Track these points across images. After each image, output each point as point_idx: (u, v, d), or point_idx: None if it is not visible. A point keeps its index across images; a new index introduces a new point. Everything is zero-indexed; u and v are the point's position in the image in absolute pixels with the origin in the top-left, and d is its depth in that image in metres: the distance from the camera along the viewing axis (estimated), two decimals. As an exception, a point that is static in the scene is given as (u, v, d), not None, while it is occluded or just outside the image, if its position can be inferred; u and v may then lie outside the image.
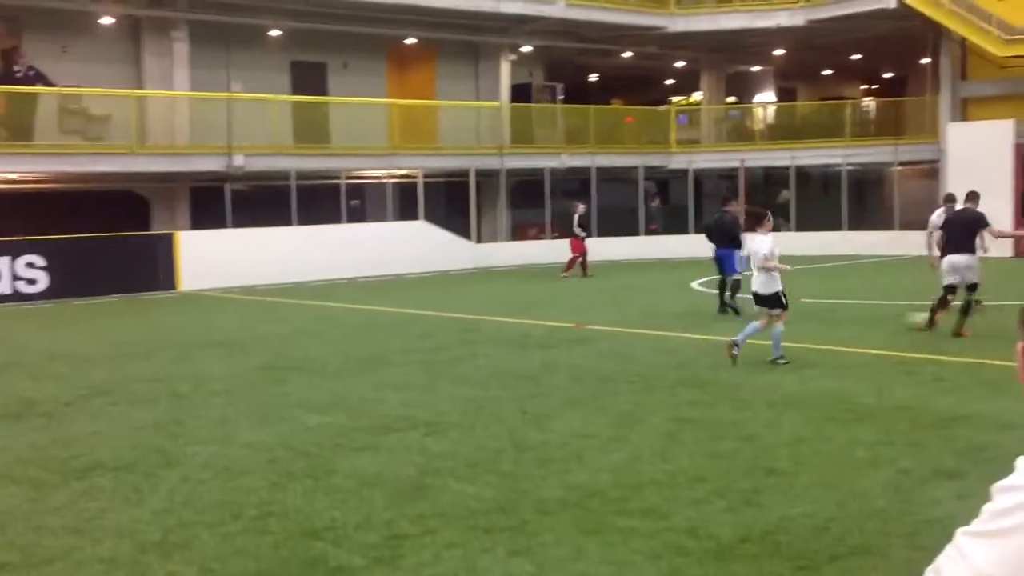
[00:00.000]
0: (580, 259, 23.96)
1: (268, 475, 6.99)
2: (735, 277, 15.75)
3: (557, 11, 27.80)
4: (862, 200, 29.71)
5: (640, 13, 29.66)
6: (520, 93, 30.23)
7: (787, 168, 29.87)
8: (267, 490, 6.61)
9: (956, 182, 25.40)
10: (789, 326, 14.04)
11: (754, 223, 11.89)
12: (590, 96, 34.75)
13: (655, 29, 30.16)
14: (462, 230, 27.16)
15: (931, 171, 28.45)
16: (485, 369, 11.19)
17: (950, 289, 12.61)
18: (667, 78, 37.91)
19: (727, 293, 15.80)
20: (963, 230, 12.60)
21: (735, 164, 30.54)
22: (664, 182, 32.65)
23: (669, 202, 32.81)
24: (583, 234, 24.37)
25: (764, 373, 10.48)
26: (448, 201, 28.14)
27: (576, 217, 24.33)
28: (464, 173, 27.37)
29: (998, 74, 27.57)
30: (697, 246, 26.22)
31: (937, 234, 13.55)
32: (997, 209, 24.84)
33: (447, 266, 25.43)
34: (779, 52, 34.48)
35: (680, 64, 35.27)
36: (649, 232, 30.05)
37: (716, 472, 6.76)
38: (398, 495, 6.41)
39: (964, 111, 28.49)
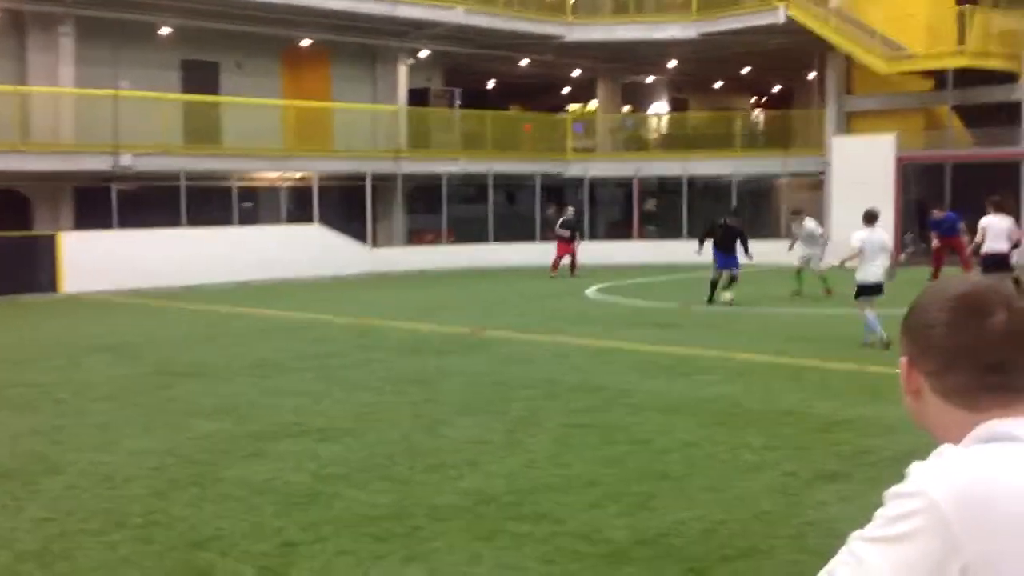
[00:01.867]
0: (564, 259, 24.73)
1: (153, 483, 6.80)
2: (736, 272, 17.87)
3: (455, 17, 27.79)
4: (751, 210, 30.40)
5: (538, 21, 29.86)
6: (418, 97, 30.14)
7: (680, 177, 30.42)
8: (152, 498, 6.43)
9: (841, 194, 26.30)
10: (684, 332, 14.34)
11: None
12: (488, 102, 34.86)
13: (552, 38, 30.40)
14: (358, 234, 26.92)
15: (817, 183, 29.29)
16: (380, 375, 11.10)
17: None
18: (564, 86, 38.27)
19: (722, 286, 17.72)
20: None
21: (630, 173, 30.97)
22: (559, 189, 32.92)
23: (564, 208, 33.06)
24: (567, 235, 24.93)
25: (656, 379, 10.63)
26: (344, 205, 27.87)
27: (561, 219, 25.15)
28: (360, 177, 27.15)
29: (881, 89, 28.55)
30: (593, 252, 26.63)
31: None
32: (881, 221, 25.71)
33: (342, 270, 25.17)
34: (673, 64, 35.11)
35: (577, 73, 35.65)
36: (544, 238, 30.25)
37: (610, 477, 6.83)
38: (288, 503, 6.30)
39: (849, 125, 29.42)
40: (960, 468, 1.35)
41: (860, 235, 12.26)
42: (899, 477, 1.48)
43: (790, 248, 20.21)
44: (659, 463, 7.17)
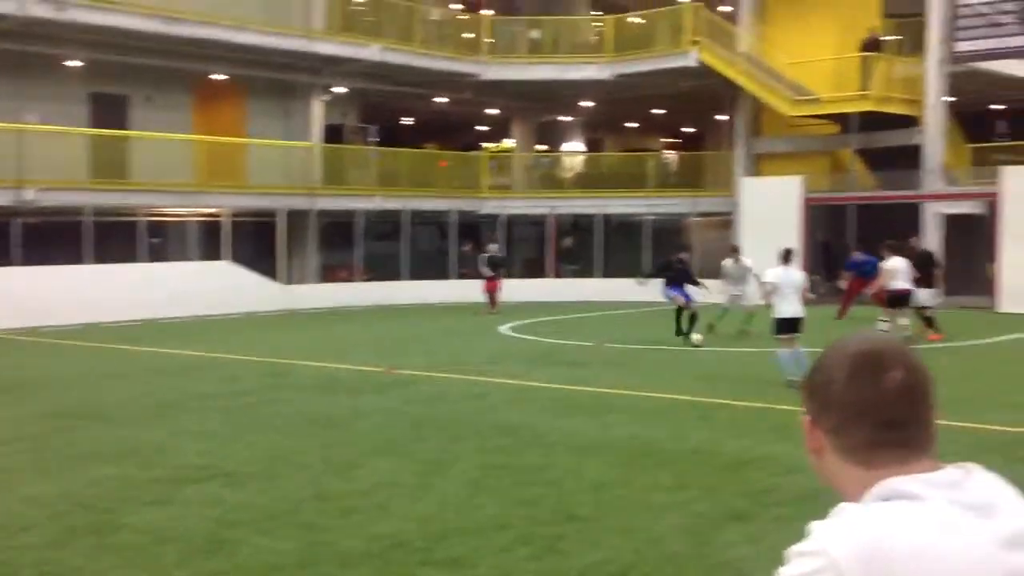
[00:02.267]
0: (492, 295, 25.00)
1: (49, 531, 6.55)
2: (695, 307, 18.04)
3: (372, 54, 27.78)
4: (663, 249, 30.79)
5: (454, 60, 30.00)
6: (333, 134, 30.00)
7: (594, 216, 30.74)
8: (47, 548, 6.19)
9: (750, 234, 26.81)
10: (597, 371, 14.42)
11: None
12: (404, 139, 34.84)
13: (468, 76, 30.58)
14: (270, 271, 26.58)
15: (727, 222, 29.86)
16: (290, 416, 10.91)
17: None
18: (480, 124, 38.46)
19: (690, 322, 17.85)
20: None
21: (545, 211, 31.20)
22: (475, 226, 33.00)
23: (480, 245, 33.13)
24: (490, 273, 25.09)
25: (569, 418, 10.64)
26: (256, 241, 27.50)
27: (486, 257, 25.41)
28: (273, 213, 26.85)
29: (788, 132, 29.31)
30: (509, 290, 26.68)
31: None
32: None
33: (253, 308, 24.77)
34: (588, 104, 35.57)
35: (493, 111, 35.88)
36: (460, 276, 30.25)
37: (521, 519, 6.79)
38: (192, 551, 6.12)
39: (758, 166, 30.10)
40: (859, 527, 1.36)
41: (775, 272, 12.54)
42: (805, 516, 1.51)
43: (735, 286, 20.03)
44: (571, 504, 7.15)
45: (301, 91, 29.42)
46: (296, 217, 27.84)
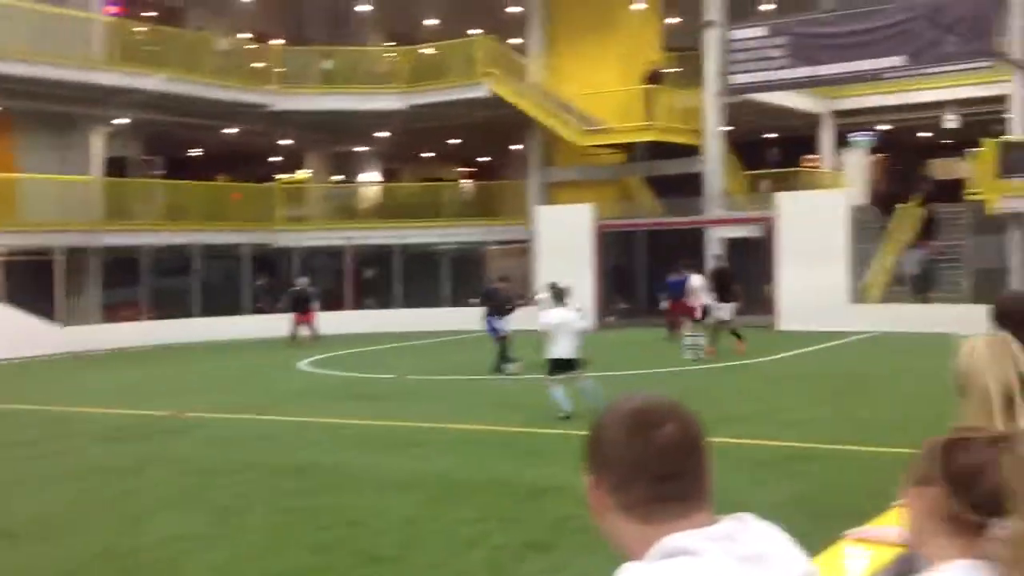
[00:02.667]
0: (301, 327, 24.81)
1: None
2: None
3: (155, 84, 26.72)
4: (462, 278, 31.07)
5: (243, 90, 29.25)
6: (116, 167, 28.71)
7: (392, 246, 30.63)
8: None
9: (546, 261, 27.39)
10: (399, 404, 14.30)
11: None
12: (194, 171, 33.69)
13: (258, 107, 29.90)
14: (49, 312, 25.07)
15: (523, 250, 30.37)
16: (74, 467, 10.28)
17: None
18: (273, 155, 37.71)
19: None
20: None
21: (342, 242, 30.85)
22: (270, 259, 32.26)
23: (279, 279, 32.39)
24: (295, 307, 25.12)
25: (371, 454, 10.48)
26: (33, 281, 25.86)
27: (295, 291, 25.43)
28: (51, 251, 25.37)
29: (578, 161, 30.14)
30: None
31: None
32: (582, 287, 27.08)
33: (31, 352, 23.27)
34: (383, 134, 35.49)
35: (286, 142, 35.26)
36: (255, 311, 29.47)
37: (322, 565, 6.61)
38: (-42, 625, 5.63)
39: (551, 194, 30.79)
40: None
41: (555, 314, 12.67)
42: (604, 544, 1.53)
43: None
44: (375, 545, 7.02)
45: (80, 123, 28.01)
46: (76, 255, 26.39)
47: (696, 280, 19.40)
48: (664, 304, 23.41)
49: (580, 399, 11.91)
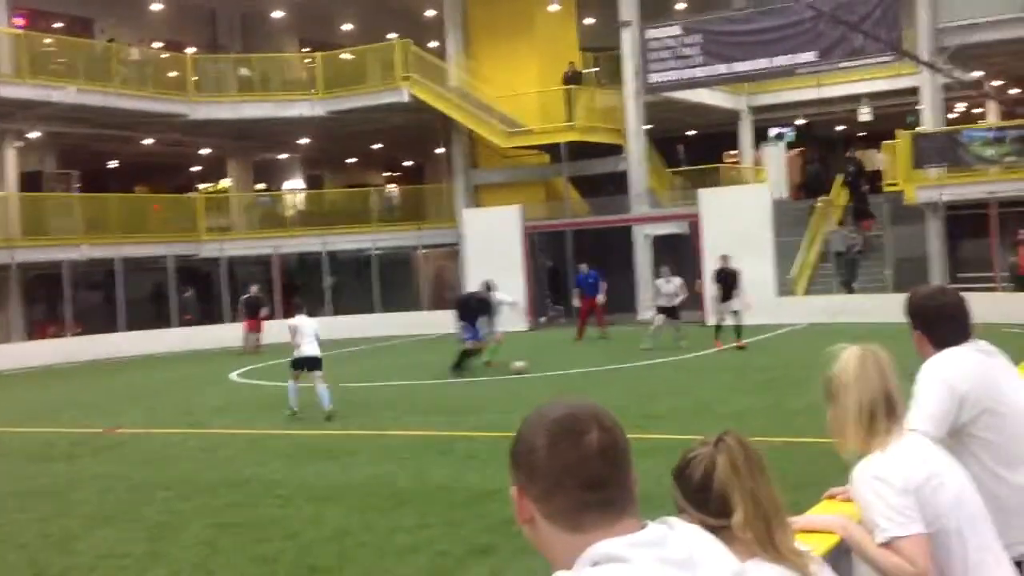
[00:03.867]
0: (251, 334, 25.19)
1: None
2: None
3: (68, 96, 26.11)
4: (392, 283, 30.95)
5: (159, 100, 28.71)
6: (31, 182, 28.02)
7: (320, 253, 30.39)
8: None
9: (475, 263, 27.41)
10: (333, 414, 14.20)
11: None
12: (111, 183, 33.05)
13: (176, 116, 29.40)
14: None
15: (452, 253, 30.35)
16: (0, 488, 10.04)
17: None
18: (193, 164, 37.15)
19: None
20: None
21: (268, 251, 30.51)
22: (196, 270, 31.78)
23: (203, 291, 31.95)
24: (247, 314, 25.54)
25: (306, 465, 10.40)
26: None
27: (243, 297, 25.88)
28: (-33, 269, 24.72)
29: (503, 163, 30.23)
30: (236, 334, 25.85)
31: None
32: (514, 286, 27.16)
33: (-50, 374, 22.64)
34: (304, 141, 35.19)
35: (206, 151, 34.77)
36: (183, 323, 29.01)
37: (261, 578, 6.54)
38: None
39: (478, 197, 30.83)
40: None
41: (294, 321, 14.48)
42: None
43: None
44: (312, 556, 6.98)
45: (-9, 137, 27.31)
46: (-6, 272, 25.76)
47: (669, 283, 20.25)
48: (575, 301, 23.67)
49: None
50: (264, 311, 25.85)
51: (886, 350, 2.83)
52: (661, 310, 20.41)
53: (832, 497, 3.17)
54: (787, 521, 2.02)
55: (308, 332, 14.01)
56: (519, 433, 1.58)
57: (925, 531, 2.59)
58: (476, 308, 18.13)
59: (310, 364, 13.87)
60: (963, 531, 2.67)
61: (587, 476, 1.49)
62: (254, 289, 26.41)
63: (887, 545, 2.60)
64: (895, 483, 2.64)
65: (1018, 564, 2.95)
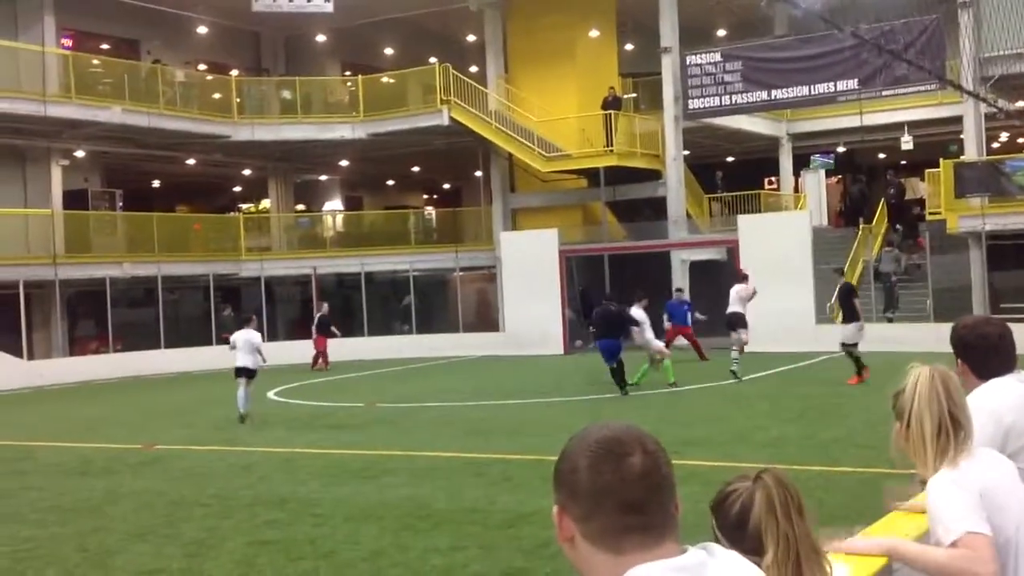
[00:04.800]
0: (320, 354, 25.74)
1: None
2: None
3: (113, 116, 26.56)
4: (429, 304, 31.08)
5: (203, 121, 29.13)
6: (75, 199, 28.47)
7: (358, 274, 30.57)
8: None
9: (512, 286, 27.47)
10: (369, 432, 14.26)
11: None
12: (154, 202, 33.53)
13: (219, 137, 29.82)
14: (13, 347, 24.76)
15: (490, 276, 30.42)
16: (39, 503, 10.15)
17: None
18: (235, 185, 37.61)
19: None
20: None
21: (307, 271, 30.75)
22: (236, 289, 32.09)
23: (242, 309, 32.21)
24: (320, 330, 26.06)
25: (342, 485, 10.44)
26: (-3, 316, 25.56)
27: (318, 316, 26.20)
28: (12, 285, 25.09)
29: (541, 187, 30.30)
30: (279, 352, 25.98)
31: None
32: (550, 310, 27.08)
33: (-6, 388, 22.96)
34: (344, 163, 35.49)
35: (247, 172, 35.17)
36: (221, 341, 29.19)
37: (296, 596, 6.57)
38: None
39: (515, 220, 30.91)
40: None
41: (240, 332, 16.56)
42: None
43: None
44: (348, 576, 7.00)
45: (37, 156, 27.80)
46: (38, 288, 26.13)
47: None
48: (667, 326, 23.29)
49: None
50: (332, 330, 26.25)
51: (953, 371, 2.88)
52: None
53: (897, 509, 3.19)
54: (822, 564, 2.02)
55: (242, 345, 16.19)
56: (563, 453, 1.59)
57: (991, 534, 2.62)
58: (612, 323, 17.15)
59: (242, 373, 16.12)
60: (1022, 552, 2.69)
61: (628, 499, 1.51)
62: (326, 307, 26.73)
63: (955, 542, 2.61)
64: (971, 487, 2.68)
65: None
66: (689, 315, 22.73)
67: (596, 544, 1.52)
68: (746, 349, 19.09)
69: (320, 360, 25.85)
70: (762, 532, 1.97)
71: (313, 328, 26.42)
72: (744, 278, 19.42)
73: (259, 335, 16.91)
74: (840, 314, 18.17)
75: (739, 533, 2.00)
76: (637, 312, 17.74)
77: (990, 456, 2.86)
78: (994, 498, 2.69)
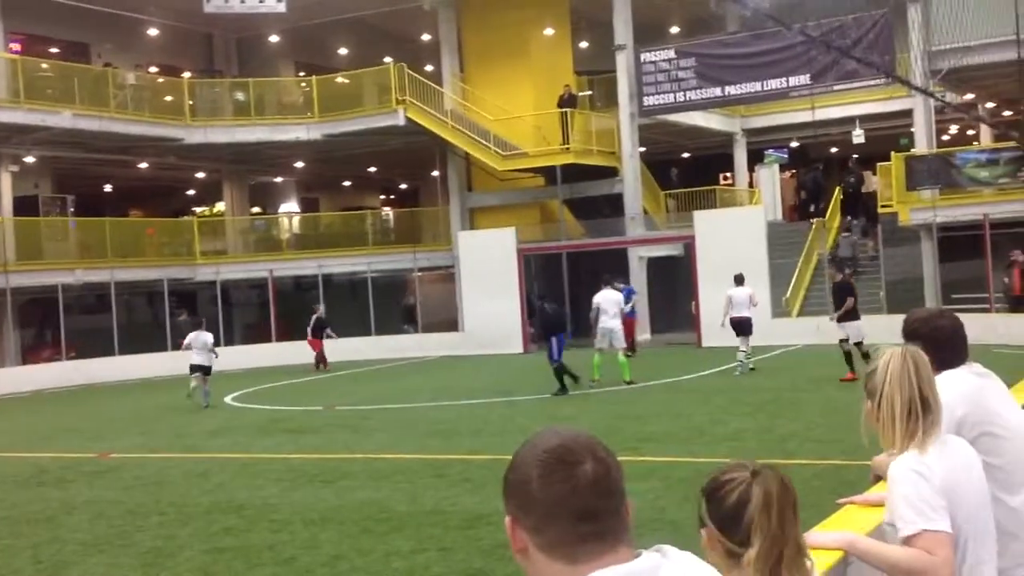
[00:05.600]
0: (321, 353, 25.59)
1: None
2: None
3: (63, 121, 26.16)
4: (388, 305, 30.94)
5: (155, 124, 28.75)
6: (26, 206, 28.03)
7: (315, 276, 30.38)
8: None
9: (470, 285, 27.45)
10: (327, 436, 14.18)
11: None
12: (106, 207, 33.10)
13: (172, 140, 29.46)
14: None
15: (448, 276, 30.37)
16: (-9, 515, 9.98)
17: None
18: (189, 188, 37.23)
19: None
20: None
21: (264, 274, 30.50)
22: (191, 294, 31.76)
23: (198, 313, 31.88)
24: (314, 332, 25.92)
25: (300, 489, 10.36)
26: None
27: (313, 319, 25.98)
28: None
29: (498, 186, 30.29)
30: (235, 357, 25.80)
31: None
32: (508, 309, 27.10)
33: (-57, 399, 22.57)
34: (300, 164, 35.26)
35: (201, 175, 34.83)
36: (176, 346, 28.88)
37: (255, 604, 6.51)
38: None
39: (473, 220, 30.87)
40: None
41: (193, 334, 19.12)
42: None
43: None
44: (307, 582, 6.95)
45: (-13, 162, 27.35)
46: (-11, 296, 25.72)
47: (737, 292, 18.68)
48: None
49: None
50: (327, 331, 26.01)
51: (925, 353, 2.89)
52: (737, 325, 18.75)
53: (851, 503, 3.21)
54: (803, 564, 2.02)
55: (197, 345, 18.78)
56: (512, 463, 1.57)
57: (950, 531, 2.62)
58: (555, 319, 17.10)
59: (198, 370, 18.66)
60: (970, 543, 2.70)
61: (581, 508, 1.49)
62: (322, 309, 26.55)
63: (913, 538, 2.61)
64: (934, 480, 2.67)
65: None
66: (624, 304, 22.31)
67: (551, 554, 1.50)
68: (706, 344, 19.13)
69: (321, 362, 25.73)
70: (752, 528, 1.97)
71: (308, 330, 26.18)
72: (742, 280, 19.11)
73: (211, 336, 19.42)
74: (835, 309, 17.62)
75: (732, 524, 2.00)
76: (604, 295, 17.72)
77: (957, 444, 2.87)
78: (955, 488, 2.69)
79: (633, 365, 18.07)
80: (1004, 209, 23.10)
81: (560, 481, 1.50)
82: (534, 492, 1.51)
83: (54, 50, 29.80)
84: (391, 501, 9.39)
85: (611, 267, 26.99)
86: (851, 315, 16.81)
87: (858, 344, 16.27)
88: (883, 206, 26.49)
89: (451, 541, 7.76)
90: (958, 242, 24.65)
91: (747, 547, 1.97)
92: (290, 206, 38.10)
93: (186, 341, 19.25)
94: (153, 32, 31.34)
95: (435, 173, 33.62)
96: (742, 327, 18.58)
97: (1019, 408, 3.42)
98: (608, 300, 17.67)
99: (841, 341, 16.77)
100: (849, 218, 29.00)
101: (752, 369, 18.46)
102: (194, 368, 18.74)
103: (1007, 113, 30.31)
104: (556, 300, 28.27)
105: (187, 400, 18.72)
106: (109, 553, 8.16)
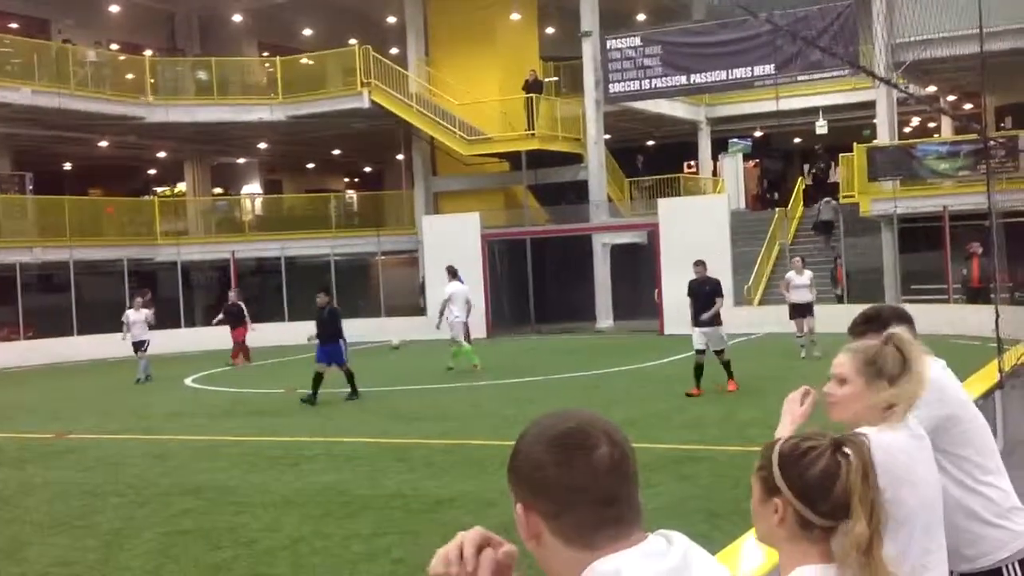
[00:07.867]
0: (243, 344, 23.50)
1: None
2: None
3: (22, 98, 25.76)
4: (351, 289, 30.78)
5: (115, 102, 28.34)
6: (-17, 183, 27.62)
7: (278, 259, 30.17)
8: None
9: (434, 270, 27.34)
10: (288, 419, 14.12)
11: None
12: (65, 186, 32.65)
13: (132, 119, 29.07)
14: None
15: (411, 260, 30.28)
16: (-54, 497, 9.85)
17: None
18: (150, 168, 36.80)
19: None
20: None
21: (225, 255, 30.25)
22: (151, 274, 31.43)
23: (157, 295, 31.57)
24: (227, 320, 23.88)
25: (261, 472, 10.32)
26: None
27: (227, 304, 24.20)
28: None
29: (463, 171, 30.23)
30: (196, 338, 25.59)
31: None
32: (472, 294, 27.05)
33: None
34: (263, 145, 34.96)
35: (163, 154, 34.44)
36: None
37: (215, 586, 6.48)
38: None
39: (437, 204, 30.79)
40: None
41: (130, 315, 20.73)
42: None
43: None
44: (266, 565, 6.93)
45: (-57, 139, 26.89)
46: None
47: (795, 277, 18.61)
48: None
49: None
50: (246, 319, 24.00)
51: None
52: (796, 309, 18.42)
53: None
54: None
55: (139, 321, 20.47)
56: (519, 449, 1.51)
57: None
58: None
59: (142, 346, 20.34)
60: (919, 532, 2.70)
61: (601, 493, 1.46)
62: (233, 295, 24.62)
63: None
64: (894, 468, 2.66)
65: None
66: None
67: (568, 540, 1.47)
68: (669, 331, 19.01)
69: (240, 354, 23.76)
70: (849, 499, 1.89)
71: (228, 318, 24.11)
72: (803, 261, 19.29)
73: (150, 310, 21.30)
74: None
75: (819, 494, 1.91)
76: (459, 288, 18.16)
77: (920, 435, 2.87)
78: (908, 478, 2.68)
79: (599, 352, 18.16)
80: (964, 201, 23.36)
81: (578, 466, 1.47)
82: (551, 478, 1.47)
83: (13, 25, 29.29)
84: (352, 484, 9.38)
85: (576, 254, 27.15)
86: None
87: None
88: (845, 196, 26.74)
89: (413, 525, 7.77)
90: (918, 233, 24.95)
91: (832, 519, 1.91)
92: (253, 187, 37.77)
93: (128, 320, 20.70)
94: (114, 9, 30.89)
95: (400, 157, 33.48)
96: (807, 309, 18.46)
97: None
98: (461, 292, 18.18)
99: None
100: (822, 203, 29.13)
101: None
102: (140, 345, 20.36)
103: (968, 106, 30.69)
104: (519, 285, 28.42)
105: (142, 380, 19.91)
106: (68, 534, 8.08)
